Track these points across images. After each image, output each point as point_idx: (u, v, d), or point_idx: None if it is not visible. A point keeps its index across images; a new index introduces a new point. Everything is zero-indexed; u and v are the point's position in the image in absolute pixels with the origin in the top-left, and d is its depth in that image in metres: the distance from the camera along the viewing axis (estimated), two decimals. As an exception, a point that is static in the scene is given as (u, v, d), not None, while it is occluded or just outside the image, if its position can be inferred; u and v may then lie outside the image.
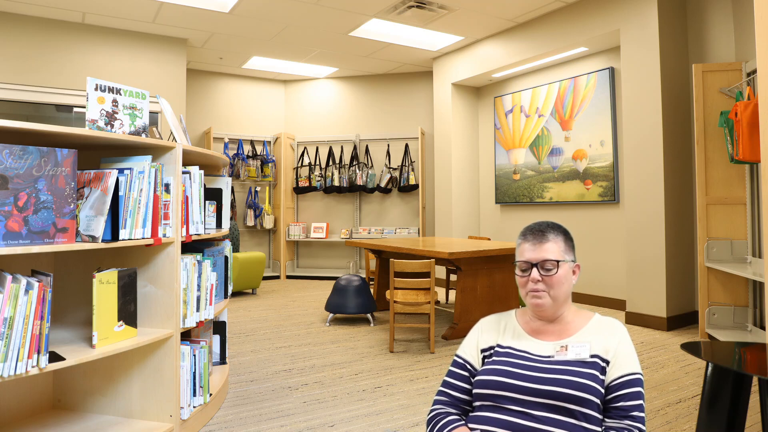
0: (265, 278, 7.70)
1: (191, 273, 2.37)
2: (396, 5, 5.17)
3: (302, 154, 7.91)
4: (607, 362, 1.30)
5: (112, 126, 2.20)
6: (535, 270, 1.35)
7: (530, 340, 1.39)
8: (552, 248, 1.36)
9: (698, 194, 4.07)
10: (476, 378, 1.36)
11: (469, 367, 1.42)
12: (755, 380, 2.93)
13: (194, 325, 2.39)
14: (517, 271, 1.39)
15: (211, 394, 2.59)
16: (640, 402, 1.25)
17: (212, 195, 2.82)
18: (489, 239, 5.31)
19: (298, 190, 7.74)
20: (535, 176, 6.09)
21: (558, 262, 1.35)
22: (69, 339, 2.14)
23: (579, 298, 5.65)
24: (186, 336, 2.64)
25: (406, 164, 7.53)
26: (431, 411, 1.40)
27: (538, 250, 1.36)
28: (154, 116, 6.03)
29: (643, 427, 1.23)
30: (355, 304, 4.64)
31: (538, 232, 1.39)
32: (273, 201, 7.88)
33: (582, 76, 5.54)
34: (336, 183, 7.57)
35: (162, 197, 2.23)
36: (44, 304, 1.73)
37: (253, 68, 7.41)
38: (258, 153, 7.77)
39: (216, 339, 3.01)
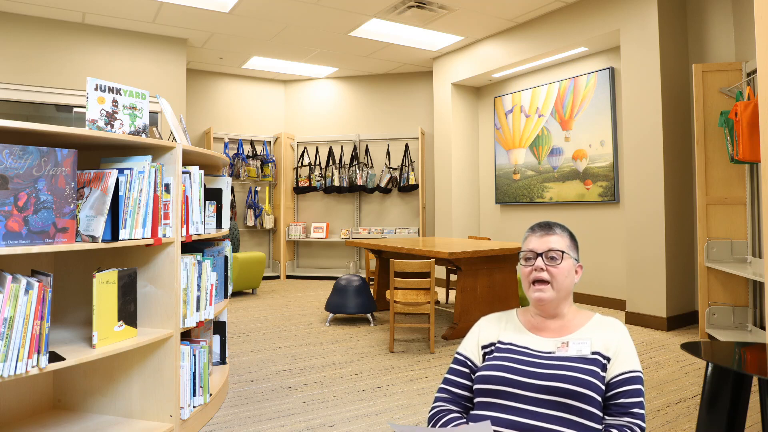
0: (265, 278, 7.70)
1: (191, 273, 2.37)
2: (396, 5, 5.17)
3: (302, 154, 7.92)
4: (608, 359, 1.30)
5: (112, 126, 2.20)
6: (540, 259, 1.37)
7: (531, 337, 1.40)
8: (558, 240, 1.39)
9: (698, 194, 4.07)
10: (477, 373, 1.36)
11: (469, 363, 1.43)
12: (755, 380, 2.93)
13: (194, 325, 2.39)
14: (521, 262, 1.41)
15: (211, 394, 2.59)
16: (641, 399, 1.25)
17: (212, 195, 2.82)
18: (489, 239, 5.31)
19: (298, 190, 7.74)
20: (535, 176, 6.09)
21: (563, 253, 1.37)
22: (69, 339, 2.14)
23: (579, 298, 5.65)
24: (186, 336, 2.64)
25: (406, 164, 7.53)
26: (432, 408, 1.40)
27: (545, 240, 1.39)
28: (154, 116, 6.03)
29: (643, 424, 1.23)
30: (355, 304, 4.64)
31: (545, 225, 1.42)
32: (273, 201, 7.88)
33: (582, 76, 5.54)
34: (336, 183, 7.57)
35: (162, 197, 2.23)
36: (44, 304, 1.73)
37: (253, 68, 7.41)
38: (258, 153, 7.77)
39: (216, 339, 3.01)
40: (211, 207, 2.75)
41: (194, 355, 2.42)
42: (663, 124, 4.43)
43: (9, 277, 1.66)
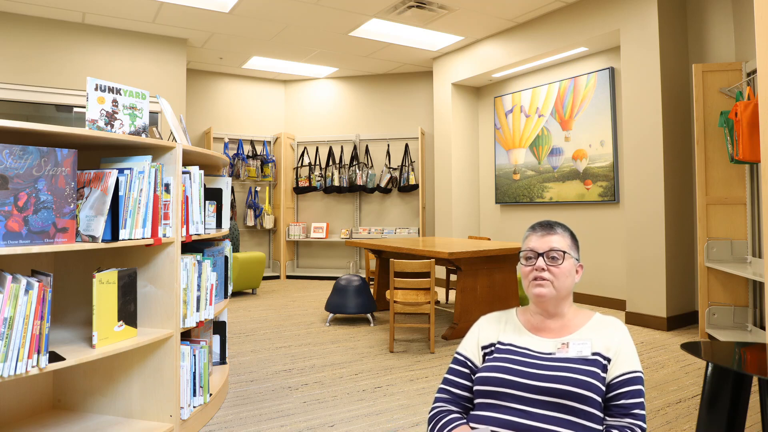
0: (265, 278, 7.70)
1: (191, 273, 2.37)
2: (396, 5, 5.17)
3: (302, 154, 7.92)
4: (609, 360, 1.30)
5: (112, 126, 2.20)
6: (540, 259, 1.36)
7: (531, 337, 1.39)
8: (559, 240, 1.38)
9: (698, 194, 4.07)
10: (477, 375, 1.36)
11: (470, 364, 1.42)
12: (755, 380, 2.93)
13: (194, 325, 2.39)
14: (522, 261, 1.40)
15: (211, 394, 2.59)
16: (641, 400, 1.25)
17: (212, 195, 2.82)
18: (489, 239, 5.31)
19: (298, 190, 7.74)
20: (535, 176, 6.09)
21: (564, 253, 1.36)
22: (69, 339, 2.14)
23: (579, 298, 5.65)
24: (186, 336, 2.64)
25: (406, 164, 7.53)
26: (432, 409, 1.40)
27: (546, 240, 1.38)
28: (154, 116, 6.03)
29: (644, 425, 1.23)
30: (355, 304, 4.64)
31: (546, 225, 1.41)
32: (273, 201, 7.88)
33: (582, 76, 5.54)
34: (336, 183, 7.57)
35: (162, 197, 2.23)
36: (44, 304, 1.73)
37: (253, 68, 7.41)
38: (258, 153, 7.77)
39: (216, 339, 3.01)
40: (211, 207, 2.75)
41: (194, 355, 2.42)
42: (663, 124, 4.43)
43: (9, 277, 1.66)
